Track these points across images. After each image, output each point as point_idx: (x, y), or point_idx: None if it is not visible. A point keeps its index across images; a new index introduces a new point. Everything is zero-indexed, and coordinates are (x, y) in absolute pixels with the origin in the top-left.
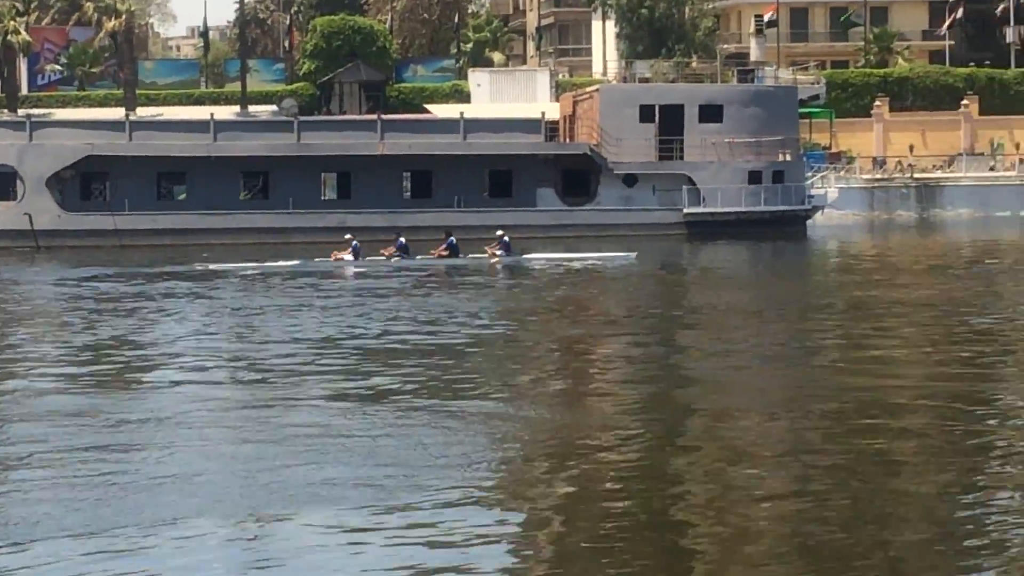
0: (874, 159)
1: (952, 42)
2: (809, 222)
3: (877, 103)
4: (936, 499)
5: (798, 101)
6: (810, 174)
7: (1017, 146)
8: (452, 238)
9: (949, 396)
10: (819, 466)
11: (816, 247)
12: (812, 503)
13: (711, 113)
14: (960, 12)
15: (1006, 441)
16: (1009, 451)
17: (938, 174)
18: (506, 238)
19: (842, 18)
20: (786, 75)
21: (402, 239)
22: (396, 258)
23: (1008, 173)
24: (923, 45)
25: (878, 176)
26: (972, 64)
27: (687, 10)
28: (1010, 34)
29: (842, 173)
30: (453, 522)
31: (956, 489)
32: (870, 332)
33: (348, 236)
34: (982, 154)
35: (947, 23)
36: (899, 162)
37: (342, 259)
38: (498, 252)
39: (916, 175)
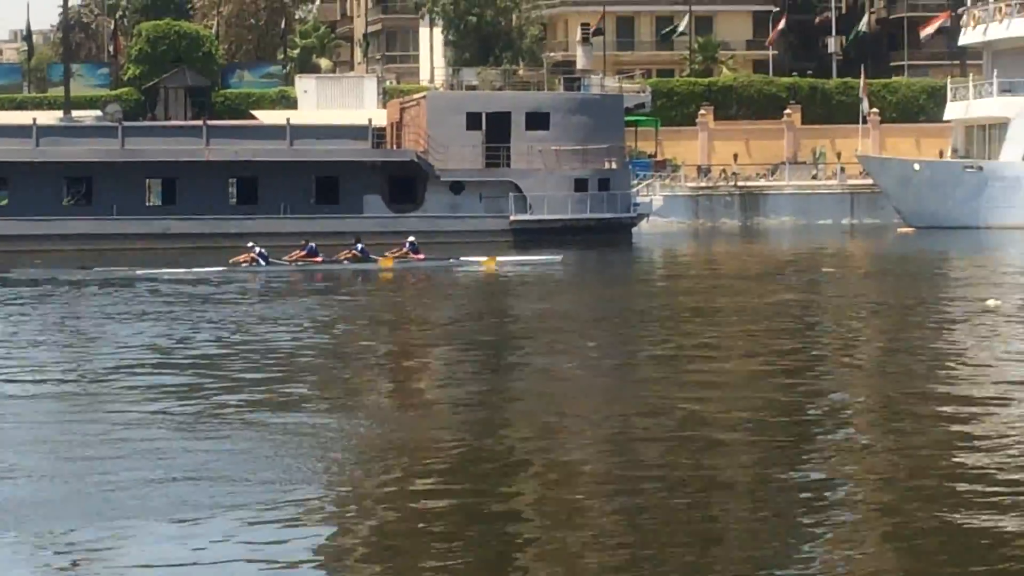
0: (699, 167)
1: (776, 52)
2: (635, 230)
3: (702, 112)
4: (749, 502)
5: (624, 109)
6: (636, 182)
7: (839, 155)
8: (360, 244)
9: (768, 403)
10: (639, 477)
11: (641, 255)
12: (628, 514)
13: (537, 121)
14: (783, 22)
15: (826, 446)
16: (827, 457)
17: (762, 182)
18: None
19: (664, 31)
20: (612, 83)
21: (312, 244)
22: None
23: (830, 182)
24: (747, 55)
25: (703, 184)
26: (795, 74)
27: (514, 18)
28: (832, 44)
29: (667, 181)
30: (270, 537)
31: (769, 495)
32: (694, 339)
33: (251, 244)
34: (804, 163)
35: (771, 37)
36: (723, 170)
37: (247, 263)
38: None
39: (740, 183)
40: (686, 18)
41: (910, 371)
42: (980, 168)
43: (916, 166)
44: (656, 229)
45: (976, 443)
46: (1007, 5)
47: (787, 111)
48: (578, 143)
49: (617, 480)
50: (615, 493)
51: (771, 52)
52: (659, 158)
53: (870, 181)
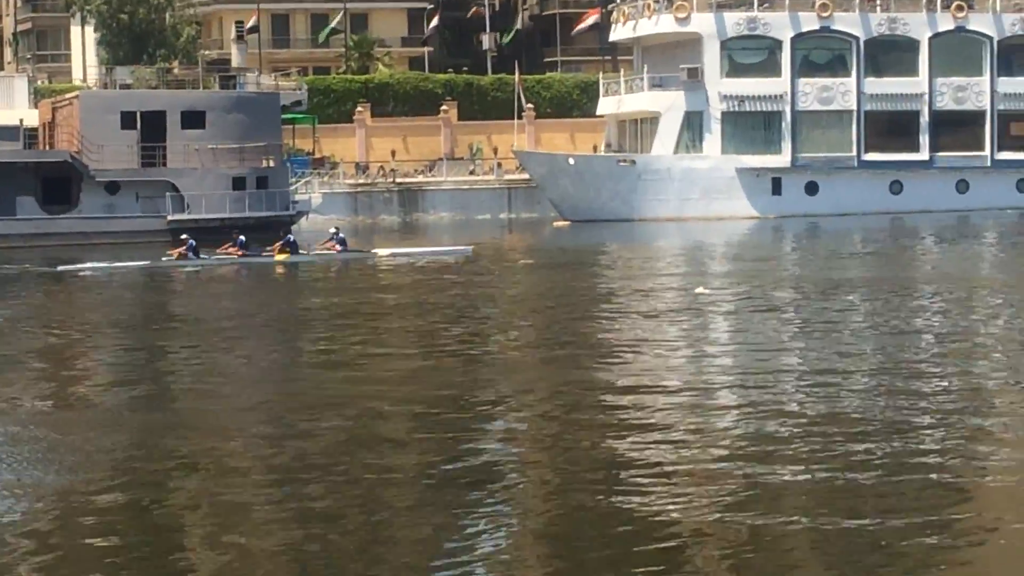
0: (357, 164)
1: (431, 48)
2: (294, 227)
3: (359, 109)
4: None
5: (280, 107)
6: (294, 180)
7: (495, 150)
8: (291, 236)
9: (437, 401)
10: (302, 470)
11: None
12: (293, 509)
13: (193, 119)
14: (437, 19)
15: (493, 437)
16: (493, 447)
17: (420, 179)
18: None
19: (321, 35)
20: (268, 81)
21: (242, 237)
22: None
23: (487, 177)
24: (403, 52)
25: (361, 181)
26: (451, 70)
27: (168, 16)
28: (487, 41)
29: (326, 179)
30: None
31: (432, 486)
32: (363, 336)
33: (184, 236)
34: (462, 159)
35: (427, 34)
36: (382, 167)
37: (184, 256)
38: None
39: (398, 180)
40: (341, 15)
41: (576, 360)
42: (633, 162)
43: (571, 160)
44: (316, 227)
45: (633, 429)
46: (655, 1)
47: (444, 107)
48: (235, 141)
49: (282, 475)
50: (277, 486)
51: (427, 49)
52: (317, 156)
53: (526, 176)
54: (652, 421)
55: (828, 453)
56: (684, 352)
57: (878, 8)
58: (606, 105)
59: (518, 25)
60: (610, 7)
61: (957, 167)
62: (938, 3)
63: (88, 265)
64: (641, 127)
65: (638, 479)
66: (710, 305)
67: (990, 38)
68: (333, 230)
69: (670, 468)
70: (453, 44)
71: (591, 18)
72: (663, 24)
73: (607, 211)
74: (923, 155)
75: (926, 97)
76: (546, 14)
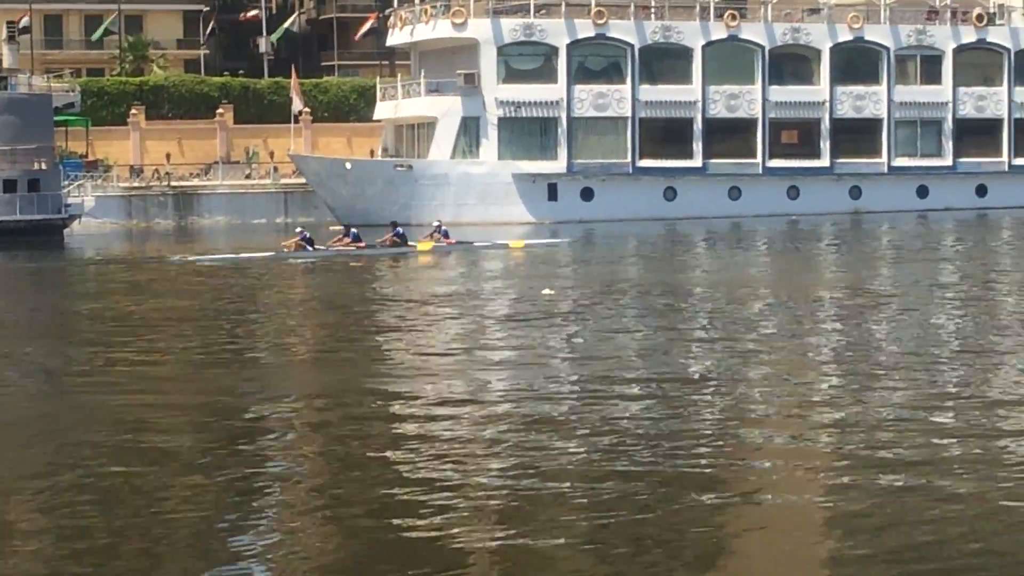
0: (131, 167)
1: (207, 51)
2: (67, 231)
3: (134, 111)
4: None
5: (53, 109)
6: (67, 183)
7: (272, 154)
8: (399, 228)
9: (208, 409)
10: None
11: (73, 256)
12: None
13: None
14: (213, 22)
15: (264, 443)
16: (264, 451)
17: (195, 182)
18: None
19: (95, 35)
20: (40, 82)
21: (354, 230)
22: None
23: (263, 181)
24: (179, 54)
25: (136, 184)
26: (227, 73)
27: None
28: (263, 44)
29: (99, 182)
30: None
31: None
32: (130, 344)
33: (299, 229)
34: (238, 162)
35: (204, 36)
36: (156, 170)
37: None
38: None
39: (174, 183)
40: (115, 16)
41: (361, 365)
42: (409, 167)
43: (348, 165)
44: (89, 230)
45: (410, 439)
46: (433, 7)
47: (219, 111)
48: (6, 144)
49: (40, 487)
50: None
51: (203, 52)
52: (90, 158)
53: (303, 180)
54: (431, 432)
55: (598, 463)
56: (453, 361)
57: (653, 16)
58: (383, 110)
59: (289, 25)
60: (388, 12)
61: (730, 174)
62: (711, 12)
63: (207, 257)
64: (418, 132)
65: (411, 492)
66: (487, 312)
67: (762, 47)
68: (436, 223)
69: (442, 484)
70: (229, 47)
71: (370, 22)
72: (440, 29)
73: (384, 216)
74: (696, 162)
75: (699, 105)
76: (323, 18)
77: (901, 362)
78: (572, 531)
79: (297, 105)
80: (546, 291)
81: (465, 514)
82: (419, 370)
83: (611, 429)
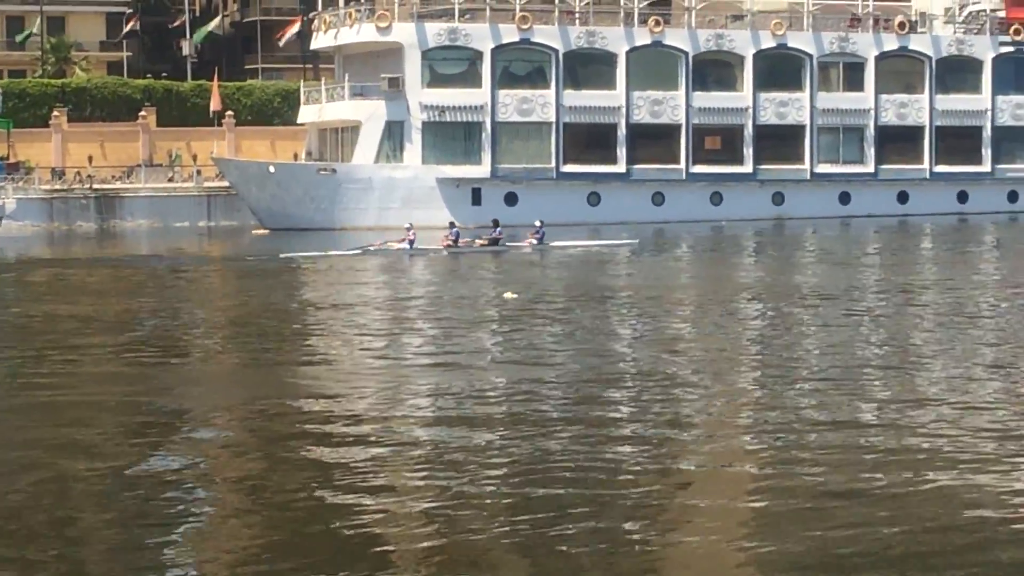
0: (53, 170)
1: (130, 53)
2: None
3: (55, 113)
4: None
5: None
6: None
7: (195, 157)
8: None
9: (138, 408)
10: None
11: None
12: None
13: None
14: (135, 23)
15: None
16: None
17: (118, 185)
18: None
19: (18, 38)
20: None
21: (456, 229)
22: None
23: (186, 184)
24: (101, 56)
25: (57, 187)
26: (150, 75)
27: None
28: (186, 47)
29: (21, 184)
30: None
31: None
32: (54, 349)
33: (407, 225)
34: (161, 165)
35: (125, 37)
36: (78, 173)
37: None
38: (534, 240)
39: (96, 186)
40: (38, 19)
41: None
42: (333, 171)
43: (271, 168)
44: (10, 233)
45: (338, 440)
46: (357, 10)
47: (142, 113)
48: None
49: None
50: None
51: (125, 54)
52: (12, 160)
53: (227, 183)
54: (368, 435)
55: (526, 463)
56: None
57: (577, 22)
58: (307, 113)
59: (212, 28)
60: (312, 15)
61: (653, 179)
62: (635, 18)
63: (301, 254)
64: (342, 136)
65: (339, 491)
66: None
67: (685, 53)
68: (537, 223)
69: (376, 486)
70: (153, 49)
71: (295, 26)
72: (364, 33)
73: (307, 220)
74: (620, 167)
75: (623, 110)
76: (247, 21)
77: (825, 364)
78: (502, 532)
79: (214, 104)
80: (507, 295)
81: (399, 515)
82: (357, 374)
83: (540, 432)
